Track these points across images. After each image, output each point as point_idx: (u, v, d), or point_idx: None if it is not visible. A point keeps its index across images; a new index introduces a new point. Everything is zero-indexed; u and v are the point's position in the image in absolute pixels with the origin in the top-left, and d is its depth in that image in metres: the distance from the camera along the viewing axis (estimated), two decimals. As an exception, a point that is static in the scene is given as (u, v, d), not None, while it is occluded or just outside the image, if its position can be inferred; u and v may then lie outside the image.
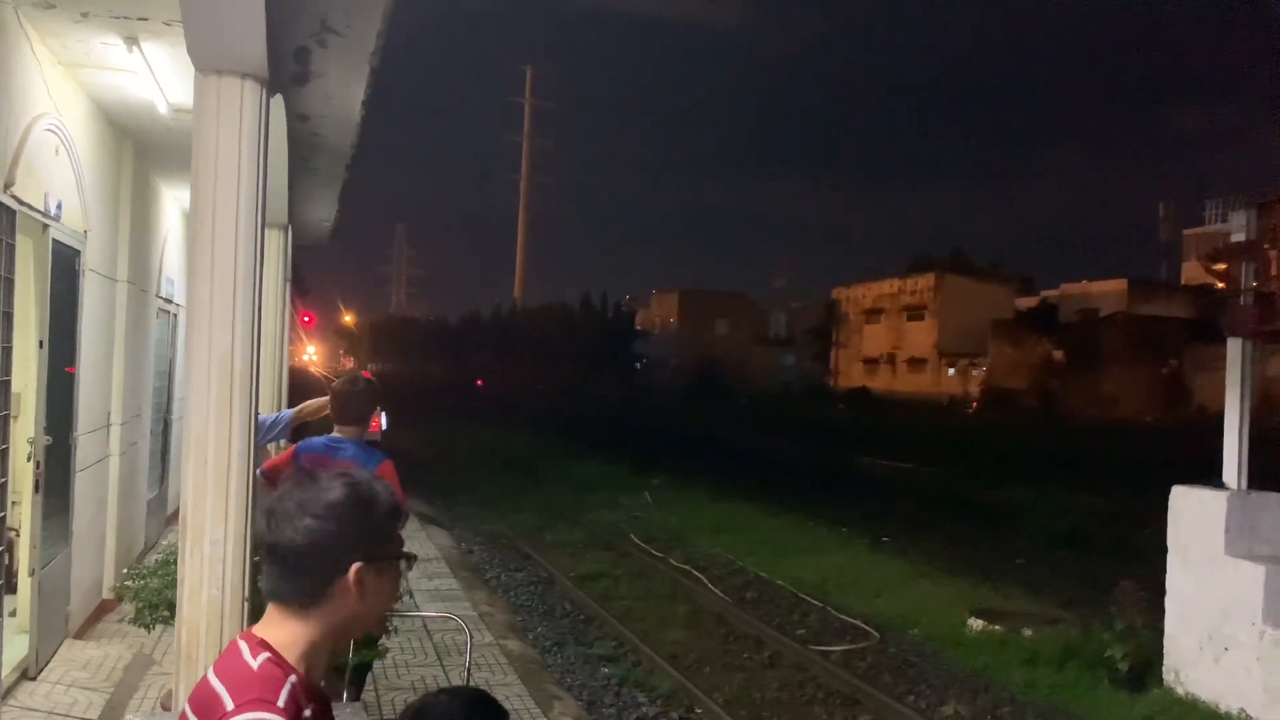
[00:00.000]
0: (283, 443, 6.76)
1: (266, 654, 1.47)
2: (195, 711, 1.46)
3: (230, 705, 1.40)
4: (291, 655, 1.49)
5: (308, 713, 1.47)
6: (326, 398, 5.43)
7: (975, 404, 51.47)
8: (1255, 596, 6.52)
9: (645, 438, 29.39)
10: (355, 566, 1.52)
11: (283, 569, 1.51)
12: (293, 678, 1.46)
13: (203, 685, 1.48)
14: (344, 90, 5.44)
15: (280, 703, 1.41)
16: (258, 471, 4.17)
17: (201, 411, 3.37)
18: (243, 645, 1.50)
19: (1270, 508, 6.92)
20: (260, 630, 1.52)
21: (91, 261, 6.29)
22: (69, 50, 5.17)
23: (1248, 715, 6.44)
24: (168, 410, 9.91)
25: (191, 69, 3.42)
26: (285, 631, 1.51)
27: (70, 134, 5.68)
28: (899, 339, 65.12)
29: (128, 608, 5.39)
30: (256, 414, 3.54)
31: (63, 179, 5.61)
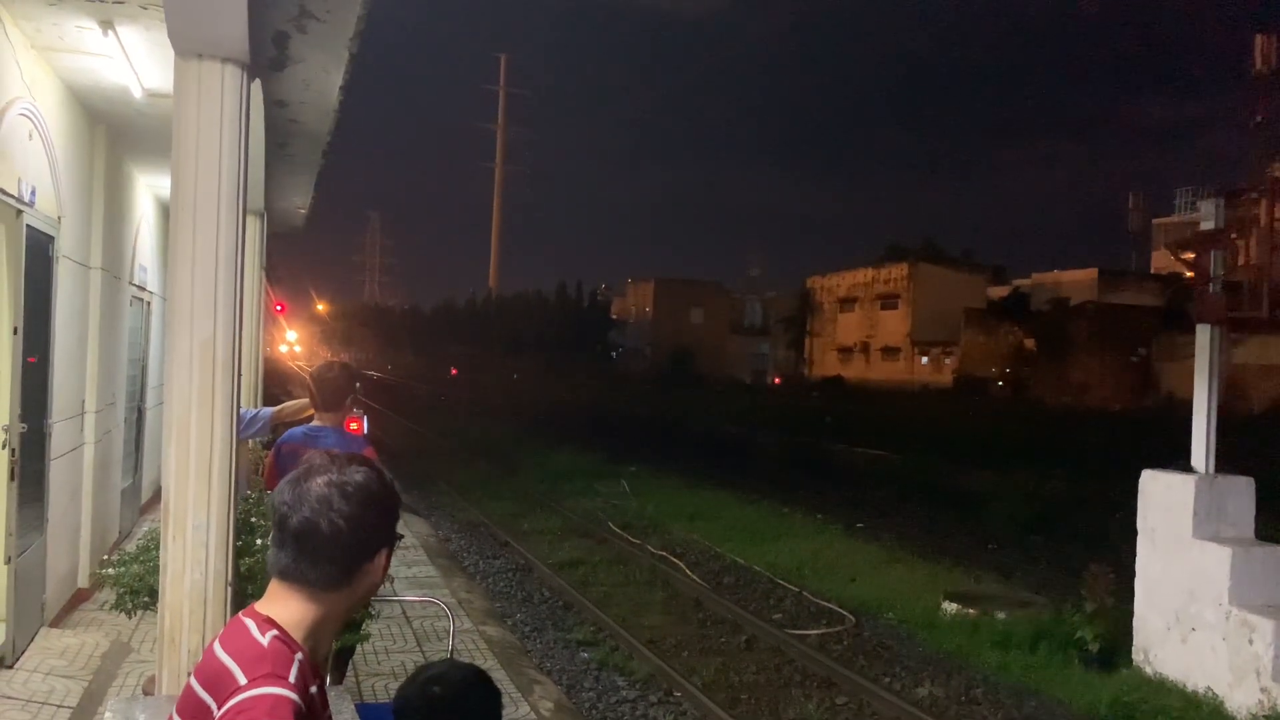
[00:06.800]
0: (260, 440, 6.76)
1: (274, 631, 1.50)
2: (204, 686, 1.48)
3: (243, 680, 1.42)
4: (298, 634, 1.51)
5: (313, 690, 1.50)
6: (306, 400, 5.42)
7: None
8: (1221, 577, 6.66)
9: (621, 426, 29.45)
10: (383, 552, 1.58)
11: (310, 554, 1.52)
12: (300, 655, 1.49)
13: (210, 660, 1.50)
14: (322, 76, 5.42)
15: (291, 678, 1.44)
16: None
17: (184, 398, 3.35)
18: (249, 623, 1.52)
19: (1236, 491, 7.07)
20: (265, 608, 1.54)
21: (65, 248, 6.23)
22: (43, 34, 5.11)
23: (1214, 693, 6.58)
24: (141, 399, 9.82)
25: (167, 53, 3.40)
26: (292, 611, 1.53)
27: (44, 119, 5.62)
28: (873, 328, 65.53)
29: (104, 596, 5.37)
30: (239, 400, 3.54)
31: (36, 164, 5.55)
